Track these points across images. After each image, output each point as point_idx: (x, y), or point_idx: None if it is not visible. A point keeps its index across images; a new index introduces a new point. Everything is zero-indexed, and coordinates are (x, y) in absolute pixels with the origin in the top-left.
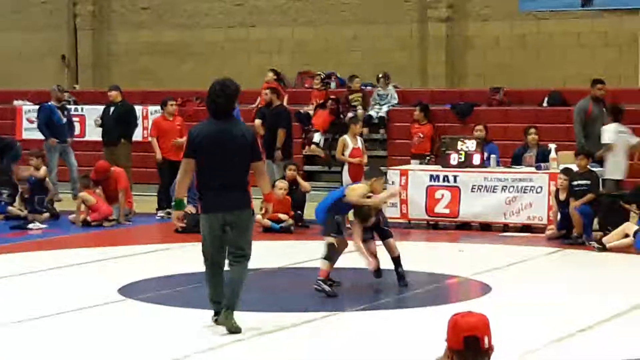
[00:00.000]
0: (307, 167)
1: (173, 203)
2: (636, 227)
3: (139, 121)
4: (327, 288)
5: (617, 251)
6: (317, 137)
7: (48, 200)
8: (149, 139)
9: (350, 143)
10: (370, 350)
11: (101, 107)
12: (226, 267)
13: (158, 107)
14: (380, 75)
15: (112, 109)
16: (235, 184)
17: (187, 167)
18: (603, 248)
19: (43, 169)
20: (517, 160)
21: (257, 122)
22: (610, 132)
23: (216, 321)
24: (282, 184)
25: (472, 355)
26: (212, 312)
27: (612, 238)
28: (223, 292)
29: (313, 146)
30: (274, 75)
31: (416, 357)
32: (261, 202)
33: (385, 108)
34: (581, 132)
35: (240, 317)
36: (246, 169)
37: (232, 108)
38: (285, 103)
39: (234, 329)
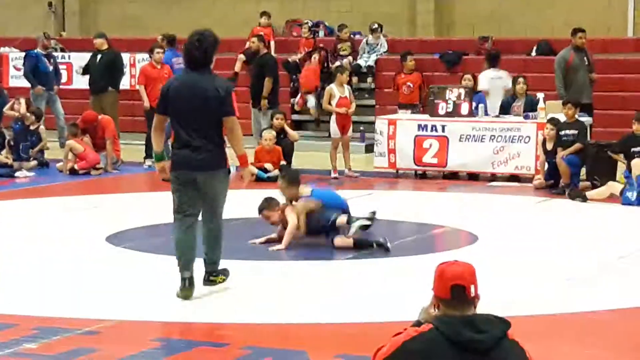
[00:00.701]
0: (295, 117)
1: (153, 157)
2: (621, 187)
3: (127, 69)
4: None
5: (601, 201)
6: (311, 101)
7: (38, 150)
8: (137, 87)
9: (337, 92)
10: (357, 298)
11: (88, 55)
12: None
13: (146, 55)
14: (375, 27)
15: (98, 56)
16: (207, 141)
17: (157, 124)
18: (584, 200)
19: (23, 103)
20: (505, 110)
21: (240, 56)
22: (484, 78)
23: (182, 290)
24: (269, 135)
25: (458, 304)
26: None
27: (595, 198)
28: (194, 254)
29: (312, 109)
30: (269, 19)
31: (403, 305)
32: (236, 169)
33: (373, 57)
34: (561, 81)
35: (228, 264)
36: (218, 125)
37: (210, 61)
38: (273, 50)
39: (223, 281)
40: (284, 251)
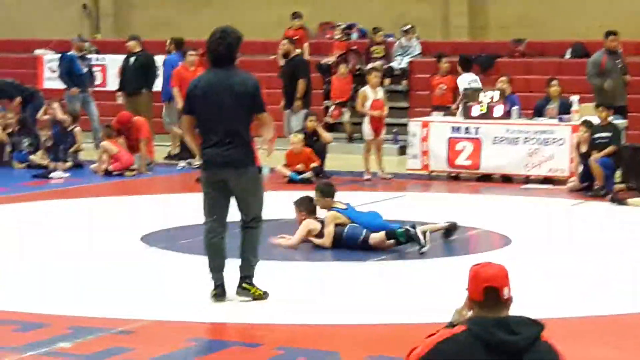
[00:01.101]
0: (327, 118)
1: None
2: None
3: (160, 71)
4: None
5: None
6: (346, 115)
7: (73, 151)
8: (171, 89)
9: (371, 94)
10: (390, 299)
11: (122, 57)
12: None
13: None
14: (407, 28)
15: (132, 59)
16: (236, 138)
17: (187, 125)
18: (618, 203)
19: (57, 107)
20: (539, 112)
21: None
22: (464, 82)
23: (215, 296)
24: (296, 139)
25: (491, 306)
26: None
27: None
28: (224, 259)
29: (347, 125)
30: (301, 21)
31: (436, 306)
32: (268, 170)
33: (407, 59)
34: (599, 83)
35: (261, 265)
36: (247, 121)
37: (234, 57)
38: (306, 52)
39: (259, 297)
40: (310, 250)
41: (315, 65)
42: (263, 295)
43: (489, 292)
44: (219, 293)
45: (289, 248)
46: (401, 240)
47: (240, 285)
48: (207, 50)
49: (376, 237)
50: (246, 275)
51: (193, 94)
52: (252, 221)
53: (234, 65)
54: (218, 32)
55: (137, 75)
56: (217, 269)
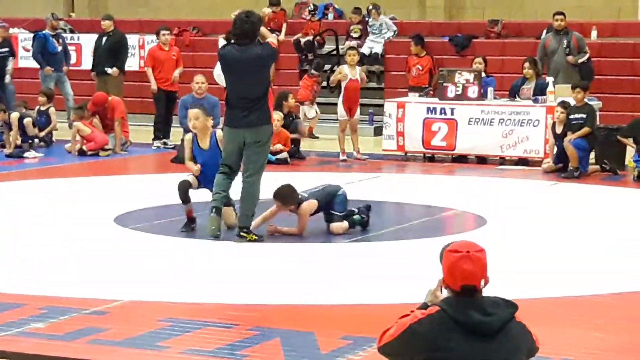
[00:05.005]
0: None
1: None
2: None
3: (135, 50)
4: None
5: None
6: (311, 111)
7: (49, 131)
8: (145, 68)
9: (349, 74)
10: (364, 280)
11: (96, 36)
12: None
13: (154, 37)
14: (369, 7)
15: (104, 38)
16: (254, 103)
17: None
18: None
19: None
20: (514, 93)
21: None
22: None
23: (211, 210)
24: (276, 116)
25: (467, 299)
26: (209, 242)
27: None
28: (225, 192)
29: (313, 121)
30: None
31: (410, 287)
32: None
33: (380, 42)
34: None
35: (237, 246)
36: (264, 87)
37: (256, 34)
38: (283, 33)
39: (255, 241)
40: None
41: (293, 43)
42: (259, 239)
43: (466, 288)
44: (213, 215)
45: (297, 235)
46: (356, 225)
47: (238, 234)
48: (233, 27)
49: (337, 226)
50: (244, 226)
51: (222, 64)
52: (252, 174)
53: (255, 40)
54: (243, 13)
55: (108, 55)
56: (217, 194)
